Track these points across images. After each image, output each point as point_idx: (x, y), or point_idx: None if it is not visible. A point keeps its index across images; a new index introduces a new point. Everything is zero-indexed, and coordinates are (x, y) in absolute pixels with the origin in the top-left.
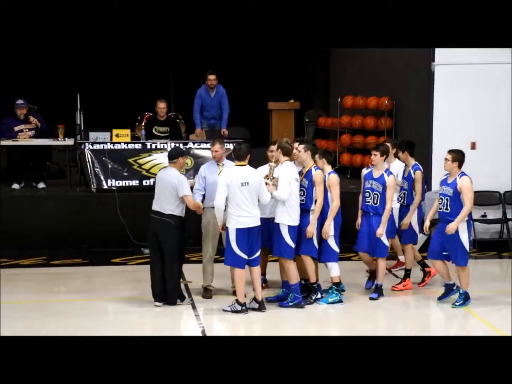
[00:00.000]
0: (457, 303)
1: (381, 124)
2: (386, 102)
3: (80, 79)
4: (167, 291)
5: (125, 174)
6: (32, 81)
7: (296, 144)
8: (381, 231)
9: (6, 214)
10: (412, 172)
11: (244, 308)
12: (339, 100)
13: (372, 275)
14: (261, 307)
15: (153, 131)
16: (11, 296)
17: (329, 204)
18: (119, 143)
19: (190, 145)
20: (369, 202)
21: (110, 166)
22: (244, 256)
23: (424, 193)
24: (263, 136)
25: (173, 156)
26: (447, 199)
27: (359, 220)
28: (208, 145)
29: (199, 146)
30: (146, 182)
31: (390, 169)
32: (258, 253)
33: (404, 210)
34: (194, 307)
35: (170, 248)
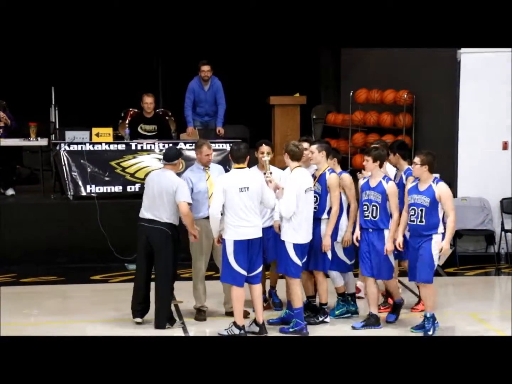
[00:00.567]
0: (424, 328)
1: (399, 121)
2: (405, 96)
3: (54, 70)
4: (158, 312)
5: (107, 179)
6: None
7: (306, 145)
8: (390, 246)
9: None
10: (404, 177)
11: (243, 332)
12: (351, 94)
13: (388, 296)
14: (261, 331)
15: (139, 129)
16: None
17: (344, 209)
18: (100, 143)
19: (181, 145)
20: (367, 216)
21: (89, 169)
22: (243, 272)
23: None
24: (264, 135)
25: (172, 157)
26: (421, 210)
27: (357, 232)
28: None
29: (191, 147)
30: (130, 188)
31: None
32: (259, 269)
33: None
34: (185, 331)
35: (165, 262)
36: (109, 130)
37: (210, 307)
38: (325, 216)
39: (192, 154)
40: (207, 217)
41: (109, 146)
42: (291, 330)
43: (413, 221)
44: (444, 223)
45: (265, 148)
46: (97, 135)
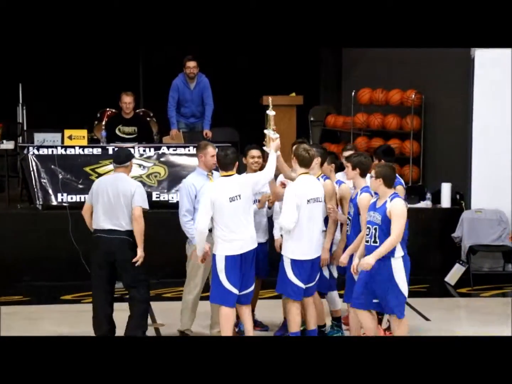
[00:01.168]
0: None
1: (406, 124)
2: (413, 96)
3: (22, 64)
4: (136, 328)
5: (80, 186)
6: None
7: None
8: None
9: None
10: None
11: None
12: (353, 94)
13: None
14: None
15: (117, 131)
16: None
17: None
18: (73, 147)
19: (164, 149)
20: (367, 241)
21: (60, 176)
22: (235, 291)
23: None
24: (256, 139)
25: (123, 158)
26: (375, 229)
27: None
28: (187, 150)
29: (175, 151)
30: None
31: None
32: (251, 288)
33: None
34: None
35: (135, 273)
36: (84, 132)
37: (194, 330)
38: (322, 227)
39: (175, 159)
40: (211, 229)
41: (83, 150)
42: None
43: (368, 241)
44: (405, 244)
45: (254, 152)
46: (70, 137)
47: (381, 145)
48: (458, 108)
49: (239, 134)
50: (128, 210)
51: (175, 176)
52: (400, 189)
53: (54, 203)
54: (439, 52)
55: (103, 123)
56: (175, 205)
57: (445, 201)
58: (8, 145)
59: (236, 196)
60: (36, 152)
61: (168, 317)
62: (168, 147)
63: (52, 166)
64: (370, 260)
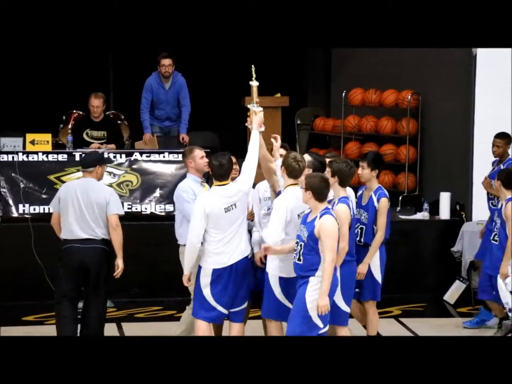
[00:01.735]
0: None
1: (401, 128)
2: (409, 97)
3: None
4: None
5: (44, 196)
6: None
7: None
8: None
9: None
10: (374, 198)
11: None
12: (343, 94)
13: None
14: None
15: (84, 136)
16: None
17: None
18: (36, 153)
19: (137, 156)
20: (294, 257)
21: (22, 185)
22: (220, 309)
23: (388, 229)
24: (237, 144)
25: (90, 162)
26: (300, 245)
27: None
28: (162, 157)
29: (148, 158)
30: None
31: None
32: (244, 305)
33: (361, 251)
34: None
35: (105, 286)
36: (47, 137)
37: None
38: None
39: (149, 166)
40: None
41: (47, 156)
42: None
43: (294, 257)
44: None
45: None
46: (33, 142)
47: (368, 152)
48: (458, 110)
49: (219, 139)
50: (103, 219)
51: (149, 185)
52: (384, 201)
53: (15, 214)
54: (438, 50)
55: (69, 126)
56: (149, 217)
57: (444, 212)
58: None
59: (231, 206)
60: None
61: None
62: (141, 153)
63: (13, 174)
64: (322, 302)
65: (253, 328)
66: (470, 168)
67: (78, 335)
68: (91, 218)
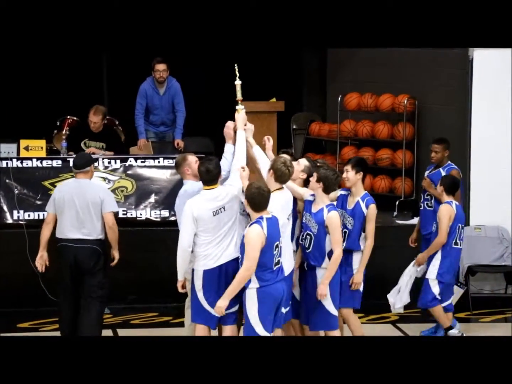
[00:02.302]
0: None
1: (397, 133)
2: (406, 101)
3: None
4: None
5: (38, 202)
6: None
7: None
8: (323, 290)
9: None
10: (362, 205)
11: None
12: (339, 99)
13: None
14: None
15: (82, 145)
16: None
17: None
18: (30, 159)
19: (131, 161)
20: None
21: (16, 191)
22: (214, 312)
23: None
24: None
25: (84, 163)
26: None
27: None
28: (157, 162)
29: (143, 164)
30: None
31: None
32: (235, 307)
33: (348, 259)
34: None
35: (101, 286)
36: (42, 143)
37: None
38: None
39: (144, 172)
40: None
41: (41, 162)
42: None
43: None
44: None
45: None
46: (27, 148)
47: (354, 156)
48: (454, 114)
49: (213, 144)
50: (98, 218)
51: (144, 191)
52: (374, 208)
53: (10, 221)
54: (434, 53)
55: (64, 132)
56: (144, 223)
57: None
58: None
59: (220, 209)
60: None
61: None
62: (136, 159)
63: (7, 180)
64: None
65: None
66: (467, 173)
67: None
68: (86, 218)
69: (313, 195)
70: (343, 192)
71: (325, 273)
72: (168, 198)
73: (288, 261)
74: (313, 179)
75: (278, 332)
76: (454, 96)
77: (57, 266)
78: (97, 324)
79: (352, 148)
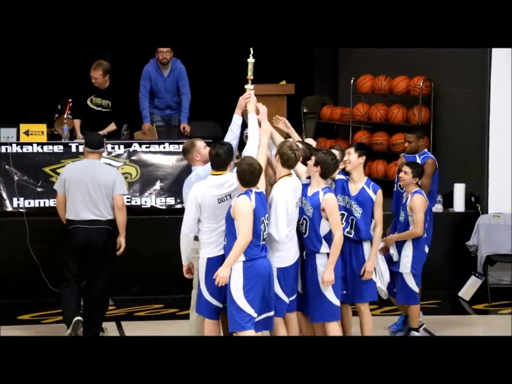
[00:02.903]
0: None
1: (413, 117)
2: (421, 84)
3: None
4: (95, 322)
5: (39, 189)
6: None
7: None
8: (328, 276)
9: None
10: (369, 191)
11: None
12: (351, 81)
13: None
14: None
15: (88, 102)
16: None
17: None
18: (30, 144)
19: (136, 147)
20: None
21: (16, 178)
22: (215, 303)
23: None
24: (240, 134)
25: (99, 143)
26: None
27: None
28: (163, 147)
29: (148, 149)
30: None
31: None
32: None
33: (354, 248)
34: None
35: (108, 266)
36: (42, 127)
37: None
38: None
39: (148, 158)
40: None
41: (42, 147)
42: None
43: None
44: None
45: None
46: (27, 133)
47: (359, 142)
48: (473, 97)
49: (221, 128)
50: (109, 199)
51: (149, 177)
52: (381, 193)
53: (9, 209)
54: None
55: (65, 116)
56: (149, 211)
57: (459, 205)
58: None
59: (225, 196)
60: None
61: None
62: (140, 144)
63: (6, 167)
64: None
65: None
66: (486, 158)
67: (81, 311)
68: (99, 199)
69: (309, 177)
70: (341, 176)
71: (328, 259)
72: (174, 185)
73: (294, 248)
74: (310, 162)
75: (280, 325)
76: (472, 78)
77: (61, 254)
78: (104, 296)
79: (365, 133)
